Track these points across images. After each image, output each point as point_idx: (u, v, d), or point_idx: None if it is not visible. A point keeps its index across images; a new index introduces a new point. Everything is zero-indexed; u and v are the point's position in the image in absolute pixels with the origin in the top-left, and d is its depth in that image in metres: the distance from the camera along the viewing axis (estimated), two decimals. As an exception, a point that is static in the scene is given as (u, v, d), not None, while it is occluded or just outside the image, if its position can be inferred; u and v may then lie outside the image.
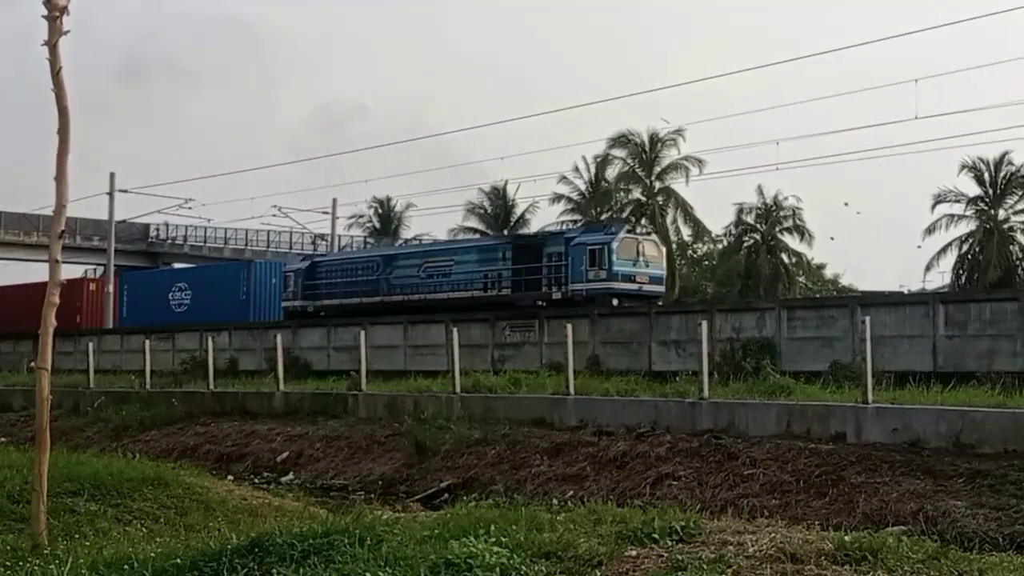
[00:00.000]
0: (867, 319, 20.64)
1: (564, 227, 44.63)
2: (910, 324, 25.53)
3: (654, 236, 43.13)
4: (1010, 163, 60.03)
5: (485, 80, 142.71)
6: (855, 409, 19.06)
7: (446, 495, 19.80)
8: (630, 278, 38.03)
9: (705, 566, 8.24)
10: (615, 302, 36.70)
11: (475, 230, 67.04)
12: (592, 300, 36.56)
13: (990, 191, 61.34)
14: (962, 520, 14.55)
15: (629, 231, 40.43)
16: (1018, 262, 61.20)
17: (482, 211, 69.49)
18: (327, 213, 66.92)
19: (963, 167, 59.98)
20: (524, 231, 49.71)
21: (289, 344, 36.54)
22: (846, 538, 9.10)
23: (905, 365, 23.22)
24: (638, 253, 38.78)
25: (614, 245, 37.83)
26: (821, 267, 74.23)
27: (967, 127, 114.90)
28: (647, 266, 39.04)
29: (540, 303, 38.32)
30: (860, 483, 16.59)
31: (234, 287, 50.45)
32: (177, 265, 74.73)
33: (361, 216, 79.42)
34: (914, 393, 20.36)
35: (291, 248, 76.86)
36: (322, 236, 71.51)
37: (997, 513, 14.73)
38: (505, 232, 63.14)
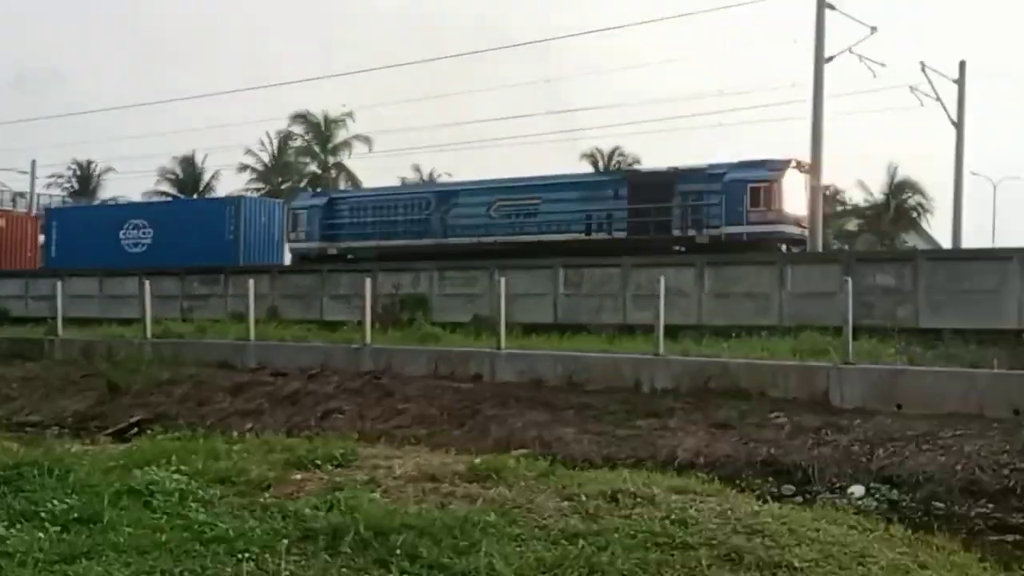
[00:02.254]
0: (503, 279, 21.16)
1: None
2: (538, 284, 26.13)
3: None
4: (622, 154, 62.47)
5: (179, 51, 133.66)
6: (491, 354, 19.61)
7: (136, 429, 18.92)
8: (798, 221, 29.69)
9: (359, 486, 8.28)
10: (783, 248, 29.45)
11: (167, 194, 63.94)
12: (754, 245, 28.42)
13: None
14: (571, 444, 15.22)
15: (796, 166, 30.26)
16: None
17: (173, 176, 66.36)
18: (26, 172, 61.91)
19: (583, 155, 61.91)
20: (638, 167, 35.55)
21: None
22: (476, 460, 9.37)
23: (533, 318, 23.86)
24: (803, 192, 30.17)
25: (784, 182, 29.20)
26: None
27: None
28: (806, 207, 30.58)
29: (678, 248, 29.47)
30: (493, 415, 17.06)
31: (217, 225, 38.32)
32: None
33: (60, 176, 73.77)
34: (538, 341, 21.16)
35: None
36: (21, 194, 65.95)
37: (598, 438, 15.45)
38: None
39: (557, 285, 26.08)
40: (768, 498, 10.11)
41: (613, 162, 59.39)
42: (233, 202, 41.01)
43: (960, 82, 34.67)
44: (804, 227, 29.91)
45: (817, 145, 28.39)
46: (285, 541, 6.71)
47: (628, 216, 30.99)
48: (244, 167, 64.27)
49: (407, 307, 26.45)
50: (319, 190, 41.95)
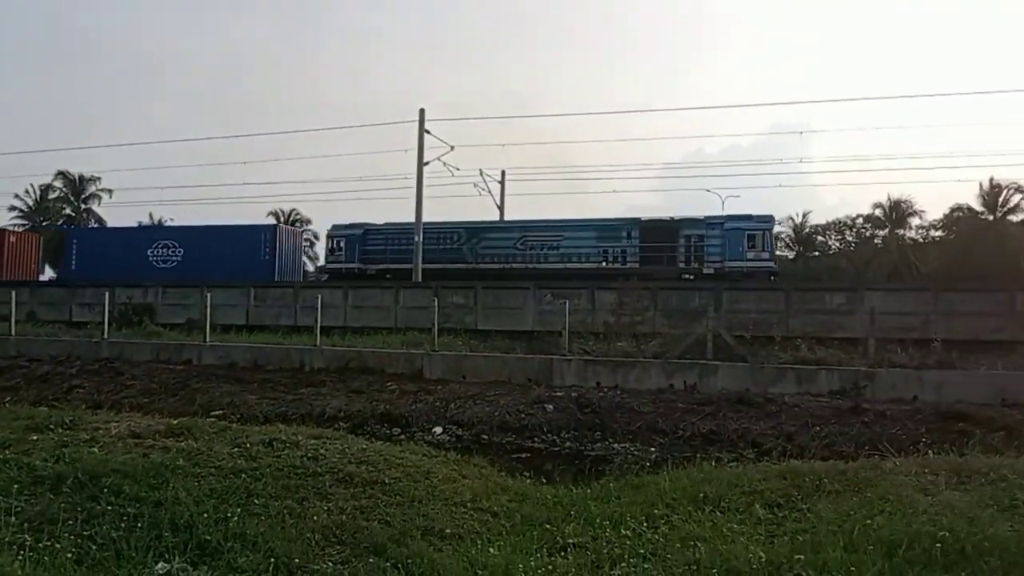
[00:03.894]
0: (209, 295, 19.92)
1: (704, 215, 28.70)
2: (235, 298, 24.56)
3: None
4: (297, 214, 59.32)
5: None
6: (199, 345, 18.31)
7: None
8: (775, 259, 27.03)
9: (82, 443, 7.46)
10: (772, 278, 26.13)
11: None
12: (751, 276, 25.27)
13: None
14: (254, 407, 14.36)
15: (774, 221, 27.76)
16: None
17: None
18: None
19: (269, 213, 58.27)
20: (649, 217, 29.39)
21: None
22: (173, 422, 8.76)
23: (232, 320, 22.75)
24: (775, 239, 27.51)
25: (771, 231, 26.88)
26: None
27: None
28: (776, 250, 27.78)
29: (687, 276, 26.15)
30: (199, 387, 15.85)
31: (254, 248, 30.87)
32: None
33: None
34: (235, 336, 20.09)
35: None
36: None
37: (273, 402, 14.73)
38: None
39: (250, 299, 24.77)
40: (382, 438, 10.22)
41: (290, 220, 56.50)
42: (269, 229, 33.01)
43: (502, 182, 37.01)
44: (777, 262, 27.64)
45: (419, 216, 28.94)
46: (16, 486, 5.92)
47: (640, 252, 27.71)
48: (12, 208, 55.39)
49: (138, 312, 24.03)
50: (353, 223, 32.99)
